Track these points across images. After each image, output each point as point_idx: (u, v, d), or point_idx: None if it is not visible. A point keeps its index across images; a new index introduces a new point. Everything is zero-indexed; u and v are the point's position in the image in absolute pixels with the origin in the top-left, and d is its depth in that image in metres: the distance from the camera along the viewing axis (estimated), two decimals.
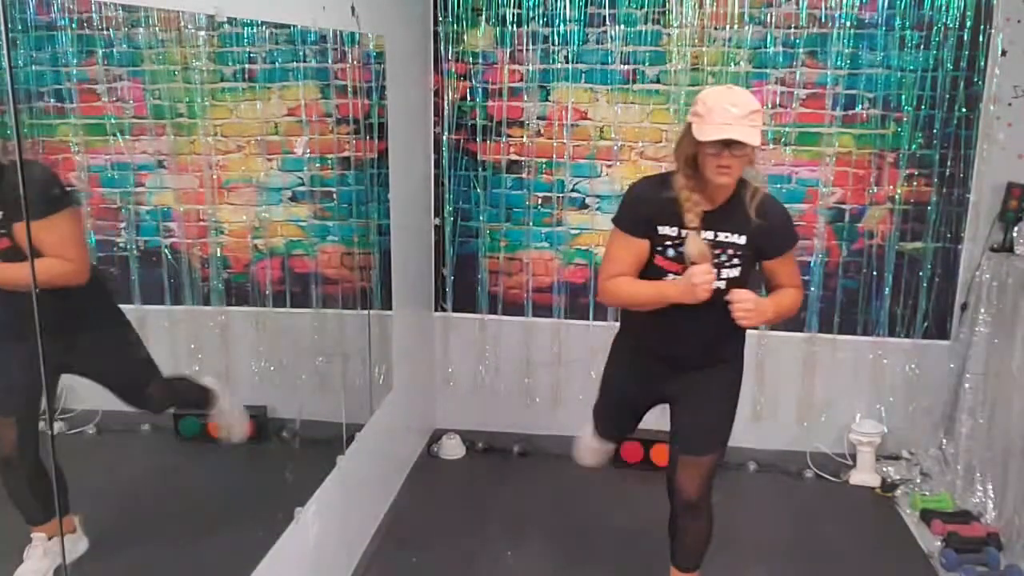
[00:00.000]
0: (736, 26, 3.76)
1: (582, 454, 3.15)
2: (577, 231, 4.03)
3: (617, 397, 2.86)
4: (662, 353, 2.59)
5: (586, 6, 3.83)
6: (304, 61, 2.82)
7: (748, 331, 2.58)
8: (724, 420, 2.66)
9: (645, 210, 2.45)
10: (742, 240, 2.42)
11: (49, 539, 1.83)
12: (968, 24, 3.64)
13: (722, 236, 2.41)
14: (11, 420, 1.96)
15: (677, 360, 2.58)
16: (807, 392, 4.03)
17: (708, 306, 2.38)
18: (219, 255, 2.89)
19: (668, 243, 2.43)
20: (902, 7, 3.67)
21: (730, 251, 2.42)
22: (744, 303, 2.35)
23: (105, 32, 2.16)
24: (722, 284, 2.40)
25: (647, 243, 2.44)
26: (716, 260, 2.39)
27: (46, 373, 1.65)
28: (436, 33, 3.95)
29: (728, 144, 2.25)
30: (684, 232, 2.40)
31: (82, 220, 2.08)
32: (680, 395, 2.63)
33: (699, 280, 2.32)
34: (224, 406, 2.60)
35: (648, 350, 2.63)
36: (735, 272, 2.42)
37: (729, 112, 2.24)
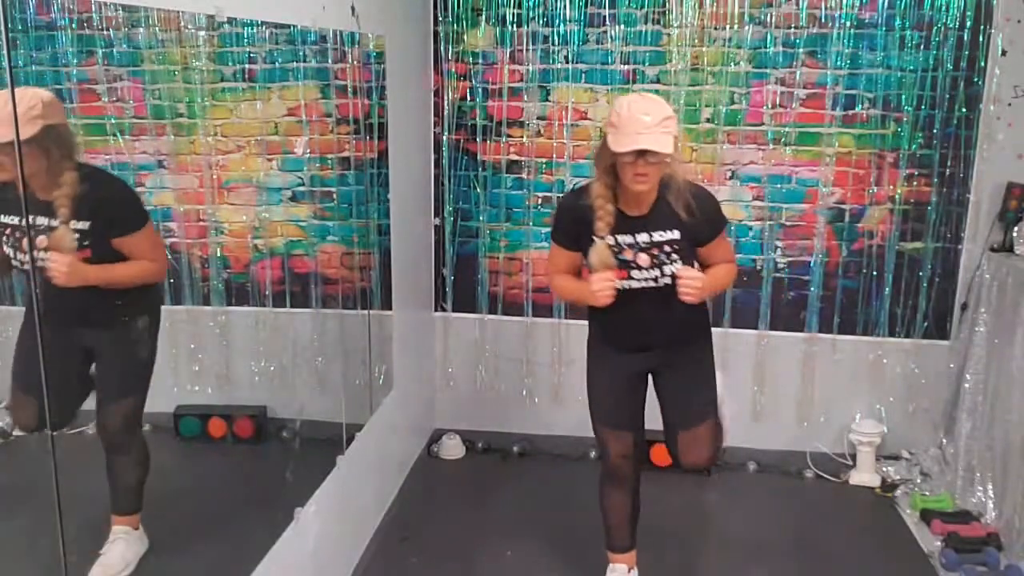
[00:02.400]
0: (736, 26, 3.76)
1: None
2: None
3: (607, 384, 2.80)
4: (630, 344, 2.71)
5: (586, 6, 3.83)
6: (304, 61, 2.82)
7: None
8: (708, 389, 2.78)
9: (571, 224, 2.58)
10: (676, 235, 2.52)
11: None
12: (968, 24, 3.64)
13: (657, 236, 2.51)
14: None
15: (646, 346, 2.70)
16: (807, 392, 4.03)
17: (660, 302, 2.54)
18: (219, 255, 2.89)
19: None
20: (902, 7, 3.67)
21: (666, 248, 2.52)
22: (692, 281, 2.47)
23: (105, 32, 2.16)
24: (668, 280, 2.52)
25: (578, 254, 2.61)
26: (655, 259, 2.52)
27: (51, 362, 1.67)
28: (436, 33, 3.95)
29: (643, 153, 2.33)
30: (616, 239, 2.51)
31: (153, 228, 2.37)
32: (661, 372, 2.75)
33: (596, 288, 2.48)
34: (128, 542, 2.21)
35: (617, 342, 2.74)
36: (678, 265, 2.53)
37: (642, 121, 2.33)
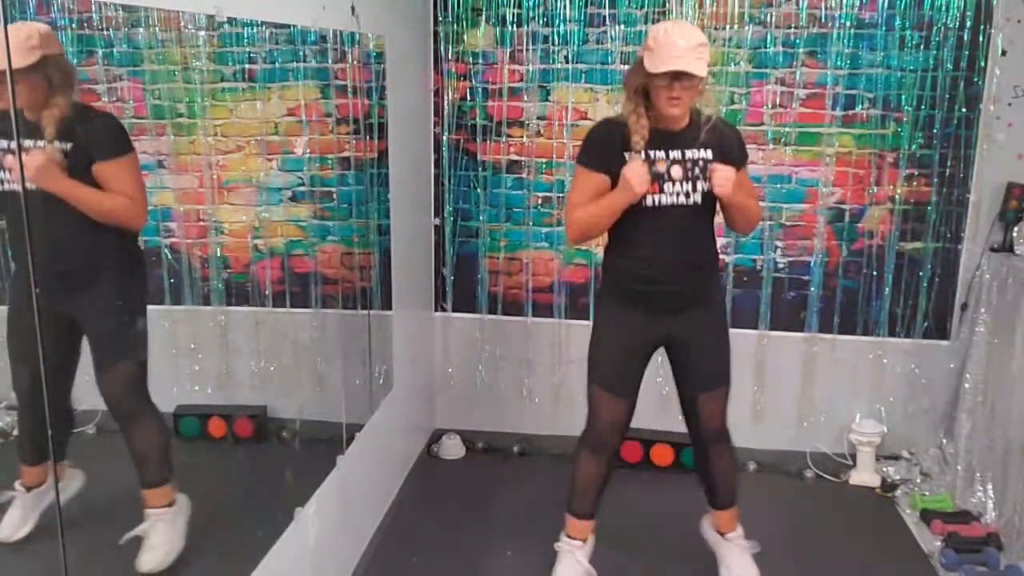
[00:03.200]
0: (736, 26, 3.76)
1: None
2: None
3: (615, 352, 2.81)
4: (647, 289, 2.69)
5: (586, 6, 3.83)
6: (304, 61, 2.82)
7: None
8: (725, 354, 2.85)
9: (606, 144, 2.61)
10: (708, 154, 2.59)
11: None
12: (968, 24, 3.64)
13: (690, 153, 2.59)
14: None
15: (663, 293, 2.68)
16: (807, 392, 4.03)
17: (685, 227, 2.62)
18: (219, 255, 2.89)
19: None
20: (902, 7, 3.67)
21: (700, 164, 2.60)
22: (726, 170, 2.54)
23: (105, 32, 2.16)
24: (698, 198, 2.60)
25: (607, 178, 2.60)
26: (689, 173, 2.58)
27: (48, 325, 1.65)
28: (436, 33, 3.95)
29: (678, 76, 2.41)
30: (648, 153, 2.56)
31: (139, 167, 2.24)
32: (678, 340, 2.77)
33: (630, 174, 2.49)
34: (169, 519, 2.20)
35: (634, 289, 2.72)
36: (709, 185, 2.59)
37: (678, 45, 2.40)
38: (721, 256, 3.66)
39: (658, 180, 2.56)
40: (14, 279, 1.85)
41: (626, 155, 2.55)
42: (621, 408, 2.82)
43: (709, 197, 2.60)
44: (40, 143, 1.86)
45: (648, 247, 2.63)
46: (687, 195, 2.58)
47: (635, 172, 2.50)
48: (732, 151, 2.63)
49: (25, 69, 1.73)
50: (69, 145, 1.91)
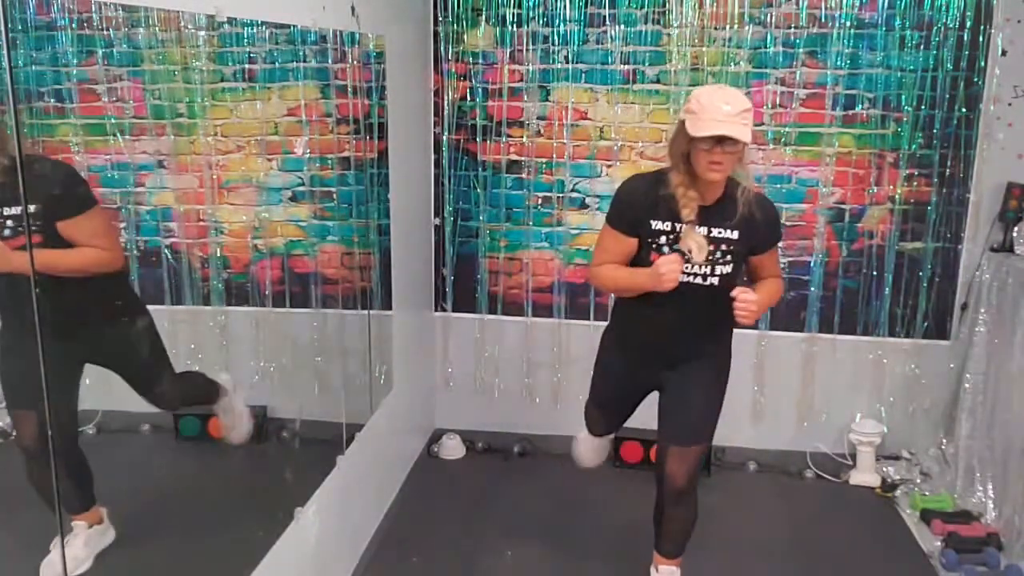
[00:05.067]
0: (736, 26, 3.76)
1: (581, 454, 3.25)
2: (577, 231, 4.04)
3: (610, 390, 2.91)
4: (650, 346, 2.68)
5: (586, 6, 3.83)
6: (304, 61, 2.82)
7: (738, 327, 2.61)
8: (711, 411, 2.70)
9: (636, 208, 2.51)
10: (735, 235, 2.48)
11: (90, 527, 2.06)
12: (968, 24, 3.64)
13: (715, 232, 2.47)
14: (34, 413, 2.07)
15: (664, 352, 2.66)
16: (807, 392, 4.03)
17: (698, 301, 2.50)
18: (219, 255, 2.89)
19: (662, 238, 2.50)
20: (902, 7, 3.67)
21: (723, 247, 2.49)
22: (749, 303, 2.42)
23: (105, 32, 2.16)
24: (715, 280, 2.49)
25: (635, 240, 2.52)
26: (711, 256, 2.47)
27: (51, 362, 1.66)
28: (436, 33, 3.95)
29: (720, 140, 2.30)
30: (679, 226, 2.47)
31: (107, 213, 2.26)
32: (669, 385, 2.70)
33: (664, 270, 2.38)
34: (232, 404, 2.61)
35: (636, 343, 2.73)
36: (728, 268, 2.50)
37: (722, 110, 2.30)
38: None
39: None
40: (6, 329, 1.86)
41: (652, 223, 2.48)
42: (604, 420, 3.07)
43: (727, 278, 2.50)
44: None
45: (655, 311, 2.55)
46: (704, 277, 2.49)
47: (669, 268, 2.39)
48: (759, 234, 2.51)
49: None
50: (33, 207, 1.75)
